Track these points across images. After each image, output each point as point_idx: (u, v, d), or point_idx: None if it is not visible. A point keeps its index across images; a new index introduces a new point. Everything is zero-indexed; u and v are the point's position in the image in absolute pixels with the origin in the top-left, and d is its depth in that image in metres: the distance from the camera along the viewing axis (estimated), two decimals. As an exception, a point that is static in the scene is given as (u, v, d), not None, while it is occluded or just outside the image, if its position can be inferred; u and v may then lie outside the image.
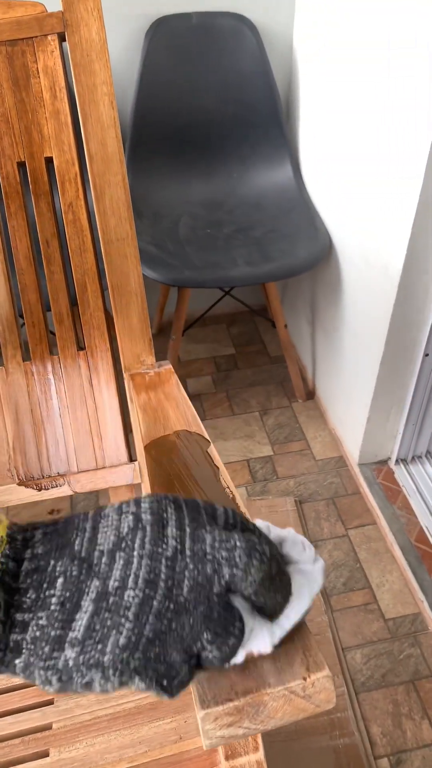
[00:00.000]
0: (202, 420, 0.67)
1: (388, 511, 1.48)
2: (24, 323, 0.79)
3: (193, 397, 1.85)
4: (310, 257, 1.48)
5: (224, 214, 1.66)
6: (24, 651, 0.31)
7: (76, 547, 0.33)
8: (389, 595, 1.35)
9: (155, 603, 0.32)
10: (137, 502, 0.35)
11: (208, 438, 0.61)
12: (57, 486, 0.80)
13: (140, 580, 0.32)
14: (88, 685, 0.31)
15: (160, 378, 0.76)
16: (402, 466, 1.57)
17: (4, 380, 0.78)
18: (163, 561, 0.33)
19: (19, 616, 0.32)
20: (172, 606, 0.32)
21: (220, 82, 1.61)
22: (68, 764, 0.57)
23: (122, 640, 0.31)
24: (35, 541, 0.34)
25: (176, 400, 0.70)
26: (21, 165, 0.74)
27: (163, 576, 0.32)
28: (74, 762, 0.57)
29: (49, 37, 0.71)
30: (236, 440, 1.73)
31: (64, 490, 0.81)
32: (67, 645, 0.31)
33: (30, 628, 0.31)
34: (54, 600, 0.32)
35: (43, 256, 0.76)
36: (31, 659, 0.31)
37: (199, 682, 0.34)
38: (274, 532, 0.39)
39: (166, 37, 1.54)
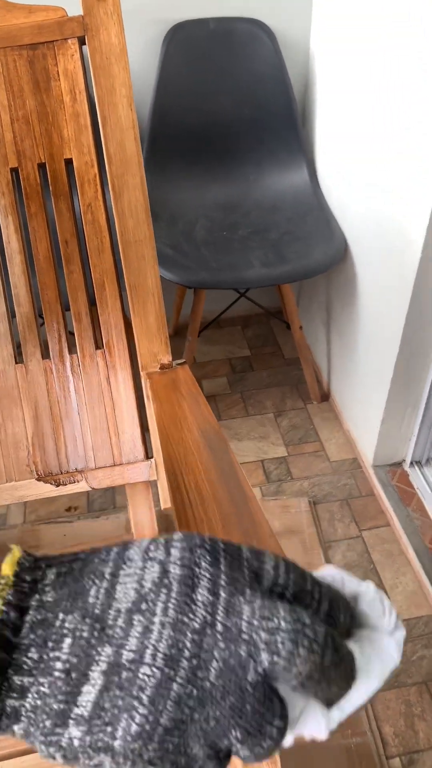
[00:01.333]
0: (217, 420, 0.68)
1: (402, 513, 1.48)
2: (43, 322, 0.80)
3: (209, 398, 1.86)
4: (326, 259, 1.48)
5: (240, 217, 1.67)
6: (23, 719, 0.26)
7: (90, 600, 0.28)
8: (402, 597, 1.35)
9: (175, 686, 0.26)
10: (167, 545, 0.29)
11: (225, 438, 0.61)
12: (75, 482, 0.82)
13: (159, 656, 0.26)
14: (97, 767, 0.27)
15: (177, 377, 0.77)
16: (416, 468, 1.57)
17: (24, 377, 0.79)
18: (189, 634, 0.26)
19: (17, 679, 0.27)
20: (195, 692, 0.26)
21: (237, 87, 1.62)
22: None
23: (134, 728, 0.25)
24: (46, 584, 0.29)
25: (193, 399, 0.71)
26: (41, 166, 0.75)
27: (186, 653, 0.26)
28: None
29: (69, 41, 0.72)
30: (250, 441, 1.74)
31: (81, 486, 0.82)
32: (71, 722, 0.26)
33: (30, 695, 0.26)
34: (59, 665, 0.27)
35: (62, 256, 0.77)
36: (31, 729, 0.26)
37: None
38: (348, 586, 0.31)
39: (183, 42, 1.56)
